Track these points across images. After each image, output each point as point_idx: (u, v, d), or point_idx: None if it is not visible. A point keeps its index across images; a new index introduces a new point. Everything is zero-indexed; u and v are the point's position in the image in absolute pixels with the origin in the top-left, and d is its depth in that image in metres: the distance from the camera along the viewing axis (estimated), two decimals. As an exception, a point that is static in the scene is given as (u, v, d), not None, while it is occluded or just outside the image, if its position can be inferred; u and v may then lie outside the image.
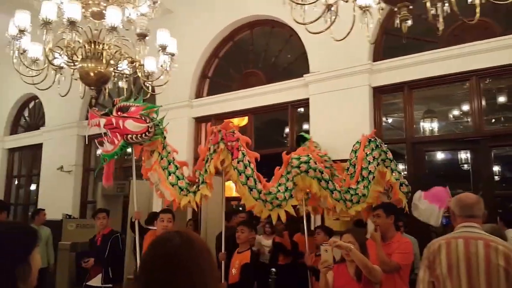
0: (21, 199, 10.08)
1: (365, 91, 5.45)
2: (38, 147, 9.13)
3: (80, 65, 3.83)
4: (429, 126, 6.67)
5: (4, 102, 10.03)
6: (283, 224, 4.86)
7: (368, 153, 4.10)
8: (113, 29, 3.49)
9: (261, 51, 6.89)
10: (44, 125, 9.08)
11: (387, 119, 6.09)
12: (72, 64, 3.89)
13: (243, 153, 3.72)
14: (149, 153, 3.75)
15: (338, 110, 5.54)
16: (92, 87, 4.07)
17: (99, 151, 3.74)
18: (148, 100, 6.24)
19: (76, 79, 4.10)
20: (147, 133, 3.51)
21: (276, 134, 7.70)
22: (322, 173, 3.84)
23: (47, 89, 4.14)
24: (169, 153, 3.81)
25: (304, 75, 5.89)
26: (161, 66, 4.24)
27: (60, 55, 3.86)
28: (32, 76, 3.97)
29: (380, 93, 5.55)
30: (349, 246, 2.73)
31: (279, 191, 3.74)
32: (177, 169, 3.76)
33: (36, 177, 9.29)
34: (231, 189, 4.92)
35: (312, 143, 5.02)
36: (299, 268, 4.44)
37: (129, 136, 3.50)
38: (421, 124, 6.58)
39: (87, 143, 8.09)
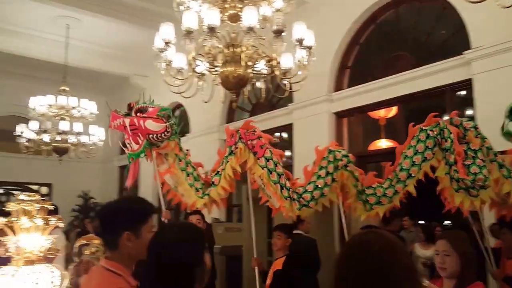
0: (173, 203, 11.39)
1: (547, 62, 4.75)
2: (185, 153, 10.19)
3: (221, 70, 4.14)
4: None
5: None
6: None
7: (411, 145, 3.64)
8: (250, 29, 3.71)
9: (409, 31, 6.53)
10: (189, 132, 10.08)
11: None
12: (213, 69, 4.23)
13: (270, 151, 3.73)
14: (162, 157, 3.95)
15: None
16: (232, 91, 4.37)
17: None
18: (286, 98, 6.50)
19: (217, 84, 4.45)
20: (165, 133, 3.74)
21: (435, 125, 7.19)
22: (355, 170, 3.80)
23: (191, 97, 4.58)
24: (186, 154, 4.01)
25: (464, 52, 5.38)
26: (298, 61, 4.32)
27: (202, 62, 4.24)
28: (178, 86, 4.43)
29: None
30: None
31: (306, 190, 3.67)
32: (194, 170, 3.94)
33: (185, 182, 10.36)
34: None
35: None
36: None
37: (151, 135, 3.74)
38: None
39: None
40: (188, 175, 3.96)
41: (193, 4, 4.07)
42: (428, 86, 5.94)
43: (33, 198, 2.50)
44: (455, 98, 5.87)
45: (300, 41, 4.14)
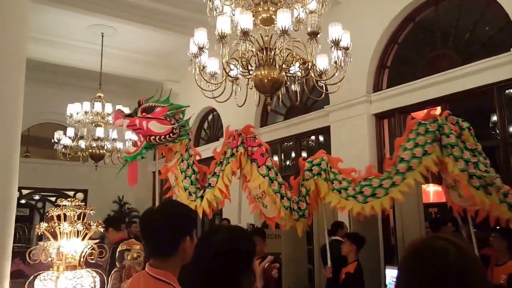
0: (208, 209, 11.56)
1: None
2: (218, 158, 10.35)
3: (254, 73, 4.20)
4: None
5: (187, 118, 11.68)
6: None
7: (411, 138, 3.68)
8: (284, 32, 3.75)
9: (451, 28, 6.41)
10: (222, 136, 10.21)
11: None
12: (247, 73, 4.30)
13: (271, 160, 3.91)
14: (172, 153, 3.94)
15: None
16: (267, 94, 4.41)
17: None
18: (321, 100, 6.51)
19: (251, 88, 4.51)
20: (171, 135, 3.78)
21: (480, 124, 7.00)
22: (336, 174, 3.91)
23: (225, 101, 4.66)
24: (191, 156, 4.03)
25: (512, 49, 5.26)
26: (334, 62, 4.33)
27: (236, 66, 4.31)
28: (211, 90, 4.52)
29: None
30: None
31: (300, 200, 3.88)
32: (194, 173, 3.93)
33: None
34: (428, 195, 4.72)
35: None
36: None
37: (152, 137, 3.75)
38: None
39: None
40: (185, 177, 3.99)
41: (226, 9, 4.15)
42: (473, 85, 5.83)
43: (74, 204, 2.63)
44: (504, 96, 5.72)
45: (336, 42, 4.14)
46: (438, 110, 6.58)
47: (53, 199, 13.32)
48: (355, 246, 4.53)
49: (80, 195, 12.36)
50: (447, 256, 0.97)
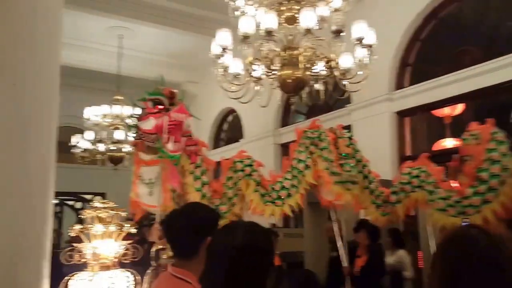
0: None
1: None
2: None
3: (278, 73, 4.25)
4: None
5: (207, 119, 11.76)
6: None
7: (299, 143, 4.09)
8: (307, 31, 3.79)
9: (475, 24, 6.38)
10: (242, 137, 10.27)
11: None
12: (271, 73, 4.35)
13: (201, 159, 3.82)
14: (144, 146, 3.73)
15: None
16: (291, 94, 4.46)
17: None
18: (343, 99, 6.52)
19: (274, 88, 4.56)
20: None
21: (504, 122, 6.95)
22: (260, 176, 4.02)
23: (248, 102, 4.71)
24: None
25: (538, 43, 5.21)
26: (359, 60, 4.35)
27: (259, 67, 4.36)
28: (234, 91, 4.58)
29: None
30: None
31: (221, 203, 3.82)
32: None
33: (239, 189, 10.54)
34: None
35: None
36: None
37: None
38: None
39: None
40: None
41: (249, 9, 4.21)
42: (497, 81, 5.75)
43: (107, 205, 2.70)
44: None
45: (360, 40, 4.16)
46: (459, 107, 6.55)
47: (71, 203, 13.51)
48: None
49: (98, 199, 12.50)
50: (477, 243, 1.04)
